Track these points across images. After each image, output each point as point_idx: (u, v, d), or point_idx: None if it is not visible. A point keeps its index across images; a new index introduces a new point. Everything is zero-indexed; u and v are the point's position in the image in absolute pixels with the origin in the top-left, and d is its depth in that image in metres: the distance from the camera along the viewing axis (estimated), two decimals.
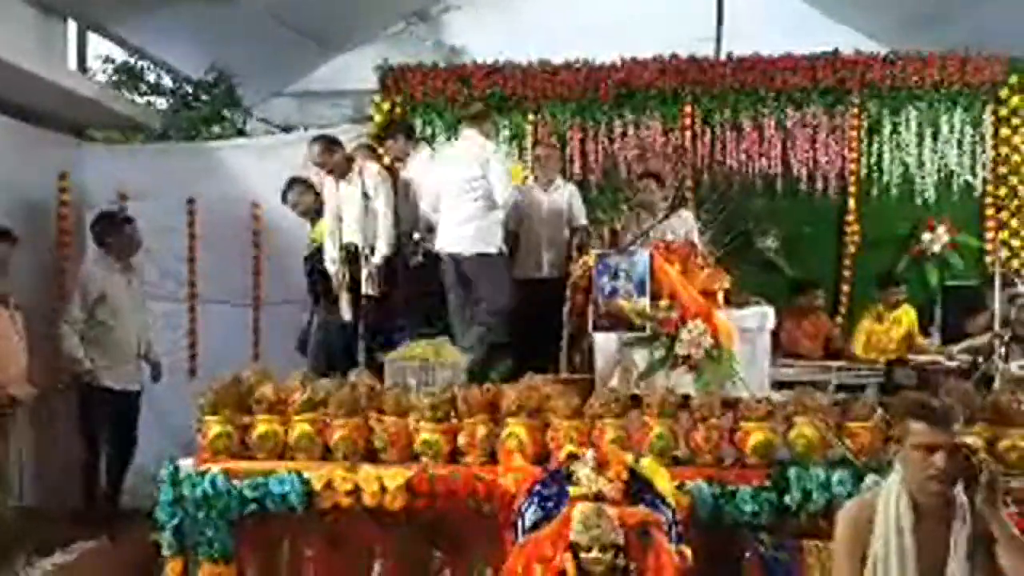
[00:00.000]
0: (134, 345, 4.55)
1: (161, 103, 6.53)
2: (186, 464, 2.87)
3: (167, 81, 6.66)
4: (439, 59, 6.57)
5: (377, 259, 4.37)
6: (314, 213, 4.82)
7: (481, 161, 4.27)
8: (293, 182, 4.89)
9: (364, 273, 4.38)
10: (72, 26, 5.56)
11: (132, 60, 6.41)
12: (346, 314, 4.44)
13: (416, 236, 4.62)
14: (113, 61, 6.29)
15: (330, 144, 4.57)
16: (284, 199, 4.92)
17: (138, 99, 6.33)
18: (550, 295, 4.13)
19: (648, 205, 4.71)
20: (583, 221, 4.94)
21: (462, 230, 4.27)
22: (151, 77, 6.51)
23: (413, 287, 4.62)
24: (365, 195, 4.43)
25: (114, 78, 6.26)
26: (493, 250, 4.29)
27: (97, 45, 6.13)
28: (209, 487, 2.77)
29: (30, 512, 3.77)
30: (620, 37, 6.22)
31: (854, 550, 2.10)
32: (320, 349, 4.58)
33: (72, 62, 5.66)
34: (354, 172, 4.51)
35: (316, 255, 4.68)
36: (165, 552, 2.83)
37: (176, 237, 5.57)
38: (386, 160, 4.95)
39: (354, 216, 4.44)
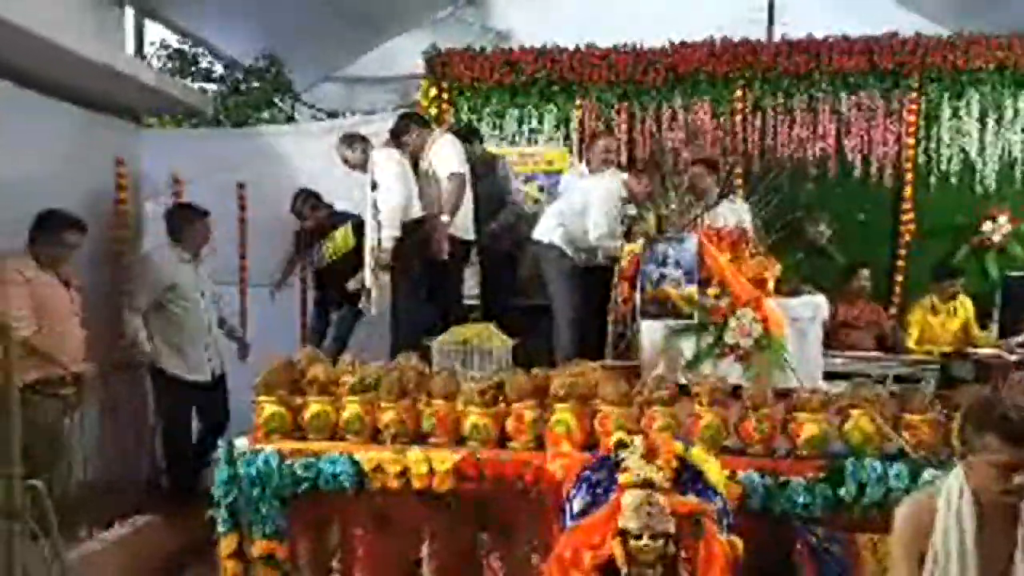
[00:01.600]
0: (204, 335, 4.52)
1: (213, 89, 6.64)
2: (241, 443, 2.93)
3: (219, 67, 6.78)
4: (486, 43, 6.54)
5: (386, 244, 4.33)
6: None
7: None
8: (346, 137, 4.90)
9: (369, 260, 4.46)
10: (129, 12, 5.66)
11: (186, 46, 6.54)
12: (372, 308, 4.50)
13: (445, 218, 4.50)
14: (168, 47, 6.42)
15: (349, 140, 4.66)
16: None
17: (191, 85, 6.45)
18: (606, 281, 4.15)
19: (700, 192, 4.63)
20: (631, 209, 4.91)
21: None
22: (204, 63, 6.62)
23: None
24: (374, 185, 4.46)
25: (168, 64, 6.39)
26: None
27: (152, 31, 6.25)
28: (263, 465, 2.83)
29: (92, 486, 3.90)
30: (669, 20, 6.12)
31: (912, 549, 2.05)
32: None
33: (129, 48, 5.78)
34: (369, 165, 4.55)
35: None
36: (220, 529, 2.89)
37: (226, 221, 5.67)
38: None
39: (368, 209, 4.53)
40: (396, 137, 4.73)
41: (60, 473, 3.41)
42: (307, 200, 5.25)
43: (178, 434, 4.48)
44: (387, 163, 4.50)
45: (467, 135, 5.17)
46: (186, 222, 4.59)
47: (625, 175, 4.95)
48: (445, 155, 4.55)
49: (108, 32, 5.46)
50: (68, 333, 3.70)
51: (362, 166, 4.63)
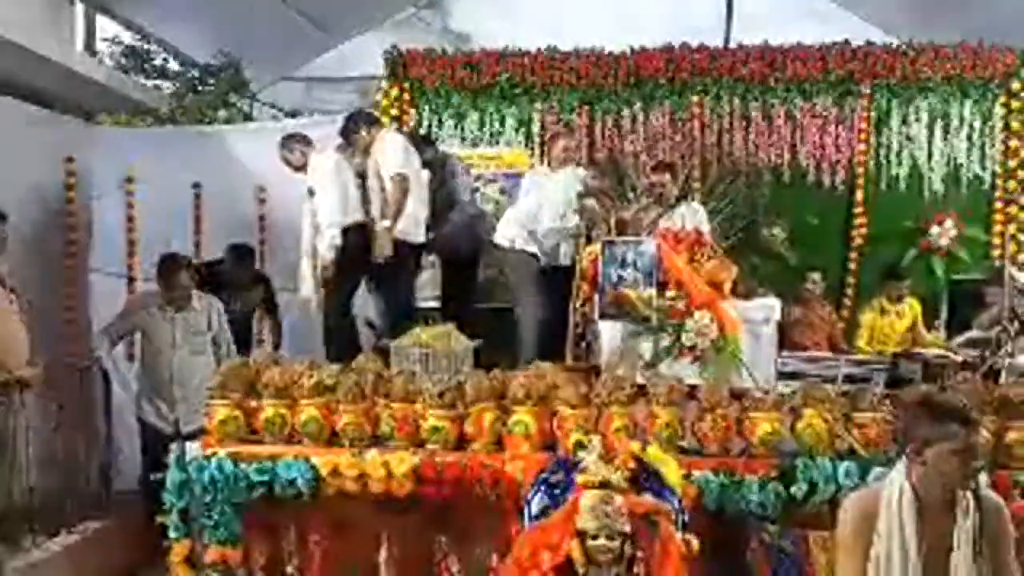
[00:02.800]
0: (167, 387, 4.22)
1: (168, 87, 6.51)
2: (193, 447, 2.87)
3: (174, 65, 6.65)
4: (446, 45, 6.54)
5: (326, 253, 4.35)
6: None
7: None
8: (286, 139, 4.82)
9: (306, 268, 4.52)
10: (79, 7, 5.53)
11: (139, 43, 6.40)
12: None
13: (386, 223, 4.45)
14: (121, 43, 6.28)
15: (289, 142, 4.63)
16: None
17: (145, 82, 6.32)
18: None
19: (660, 196, 4.68)
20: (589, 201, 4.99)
21: None
22: (158, 60, 6.50)
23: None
24: (311, 191, 4.48)
25: (122, 61, 6.25)
26: None
27: (105, 27, 6.11)
28: (216, 471, 2.78)
29: (39, 492, 3.78)
30: (628, 26, 6.22)
31: (857, 543, 2.10)
32: None
33: (80, 44, 5.64)
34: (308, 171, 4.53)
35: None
36: (172, 535, 2.83)
37: (182, 221, 5.56)
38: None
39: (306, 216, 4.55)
40: (345, 137, 4.68)
41: (3, 479, 3.30)
42: (243, 258, 5.10)
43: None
44: (323, 168, 4.46)
45: (422, 138, 5.15)
46: (165, 271, 4.28)
47: (582, 171, 5.00)
48: (389, 155, 4.48)
49: (58, 27, 5.33)
50: (9, 334, 3.58)
51: (303, 168, 4.57)
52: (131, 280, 5.28)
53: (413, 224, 4.57)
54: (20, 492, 3.47)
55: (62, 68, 4.47)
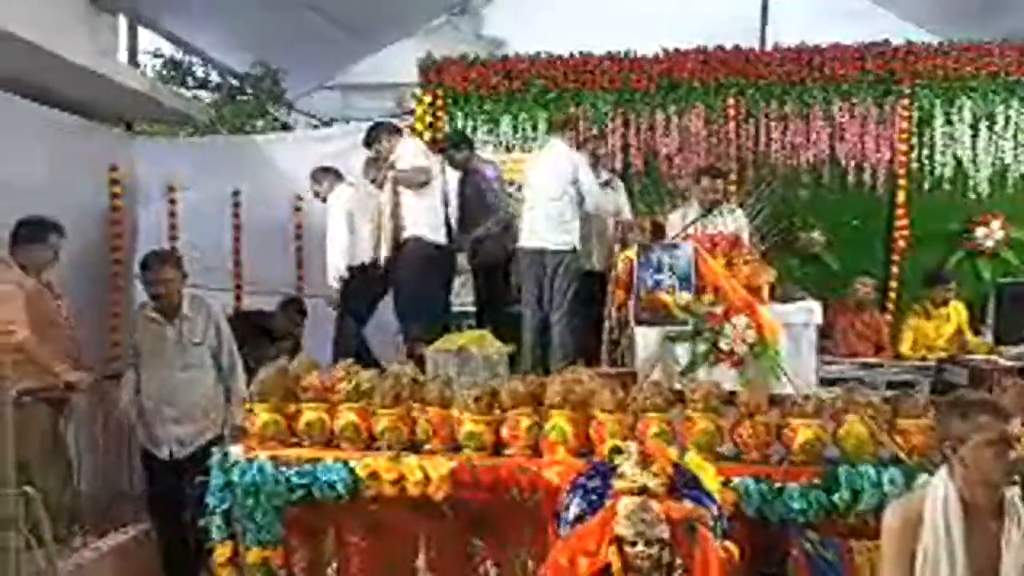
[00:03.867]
0: (160, 408, 3.71)
1: (208, 97, 6.65)
2: (235, 451, 2.92)
3: (214, 75, 6.79)
4: (480, 52, 6.57)
5: (333, 284, 4.79)
6: None
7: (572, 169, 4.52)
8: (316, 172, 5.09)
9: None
10: (122, 20, 5.67)
11: (180, 54, 6.54)
12: None
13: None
14: (162, 55, 6.43)
15: (318, 176, 5.01)
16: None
17: (185, 92, 6.46)
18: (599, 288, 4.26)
19: (711, 202, 4.64)
20: (628, 215, 4.97)
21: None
22: (199, 71, 6.63)
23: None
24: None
25: (163, 72, 6.40)
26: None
27: (146, 39, 6.26)
28: (257, 474, 2.82)
29: (88, 494, 3.88)
30: (662, 28, 6.16)
31: (902, 550, 2.06)
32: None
33: (123, 56, 5.78)
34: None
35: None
36: (215, 537, 2.88)
37: (221, 228, 5.68)
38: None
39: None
40: (368, 146, 4.87)
41: (54, 481, 3.39)
42: (296, 312, 5.31)
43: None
44: (335, 210, 4.77)
45: (457, 142, 5.19)
46: (147, 267, 3.75)
47: (616, 180, 5.04)
48: (403, 153, 4.70)
49: (102, 40, 5.46)
50: (58, 340, 3.68)
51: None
52: None
53: (428, 228, 4.66)
54: (70, 494, 3.56)
55: (105, 80, 4.57)
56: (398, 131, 4.94)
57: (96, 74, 4.49)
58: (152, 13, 5.90)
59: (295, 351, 4.96)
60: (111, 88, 4.73)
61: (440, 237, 4.75)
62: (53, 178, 4.45)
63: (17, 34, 3.76)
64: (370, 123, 5.11)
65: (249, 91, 6.80)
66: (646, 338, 3.50)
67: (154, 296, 3.71)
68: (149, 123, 6.13)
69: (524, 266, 4.60)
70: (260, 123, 6.75)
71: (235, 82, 6.77)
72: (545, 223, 4.50)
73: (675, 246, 3.66)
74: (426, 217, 4.67)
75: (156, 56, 6.56)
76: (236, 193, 5.73)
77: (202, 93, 6.82)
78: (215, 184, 5.63)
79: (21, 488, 2.31)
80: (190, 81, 6.76)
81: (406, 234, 4.68)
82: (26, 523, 2.32)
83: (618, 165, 5.95)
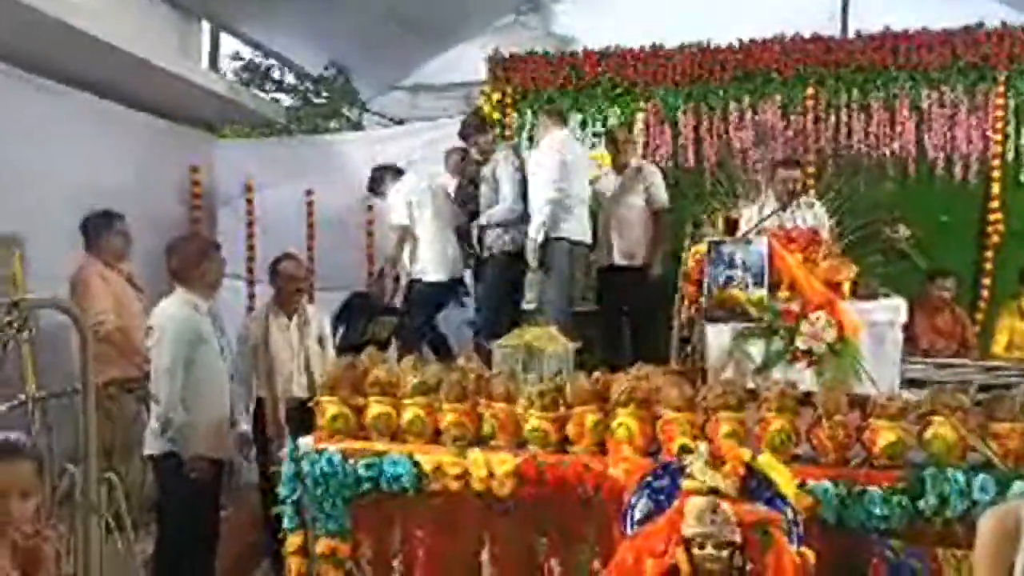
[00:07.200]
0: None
1: (285, 99, 6.84)
2: (306, 442, 2.97)
3: (290, 78, 6.98)
4: (549, 48, 6.54)
5: None
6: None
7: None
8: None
9: None
10: (205, 26, 5.89)
11: (258, 58, 6.76)
12: None
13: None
14: (241, 59, 6.65)
15: (378, 172, 5.22)
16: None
17: (264, 95, 6.67)
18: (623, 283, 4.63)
19: (792, 193, 4.51)
20: (664, 201, 5.00)
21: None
22: (276, 74, 6.84)
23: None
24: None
25: (242, 75, 6.62)
26: None
27: (227, 44, 6.49)
28: (326, 465, 2.86)
29: None
30: (737, 18, 5.98)
31: (997, 563, 1.91)
32: None
33: (204, 60, 6.01)
34: None
35: None
36: (286, 525, 2.94)
37: (296, 226, 5.83)
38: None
39: None
40: (464, 139, 5.08)
41: (136, 468, 3.53)
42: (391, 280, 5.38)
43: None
44: (395, 200, 5.00)
45: (481, 126, 5.11)
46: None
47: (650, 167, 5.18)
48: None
49: (186, 46, 5.70)
50: (139, 331, 3.83)
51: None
52: (251, 283, 5.57)
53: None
54: (149, 482, 3.70)
55: (189, 83, 4.75)
56: (484, 129, 5.07)
57: (180, 78, 4.68)
58: (232, 18, 6.12)
59: (399, 329, 5.10)
60: (194, 92, 4.92)
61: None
62: (139, 179, 4.66)
63: (107, 41, 3.95)
64: (440, 121, 5.19)
65: (324, 93, 6.97)
66: (718, 336, 3.39)
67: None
68: (229, 125, 6.35)
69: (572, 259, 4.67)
70: (333, 123, 6.90)
71: (310, 85, 6.95)
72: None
73: (748, 241, 3.55)
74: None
75: (236, 60, 6.79)
76: (309, 192, 5.87)
77: (279, 95, 7.03)
78: (290, 184, 5.78)
79: (104, 475, 2.40)
80: (267, 84, 6.96)
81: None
82: (109, 509, 2.41)
83: (691, 160, 5.81)
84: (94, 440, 2.33)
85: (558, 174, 4.58)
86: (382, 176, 5.09)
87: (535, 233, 4.56)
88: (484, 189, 4.89)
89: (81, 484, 2.33)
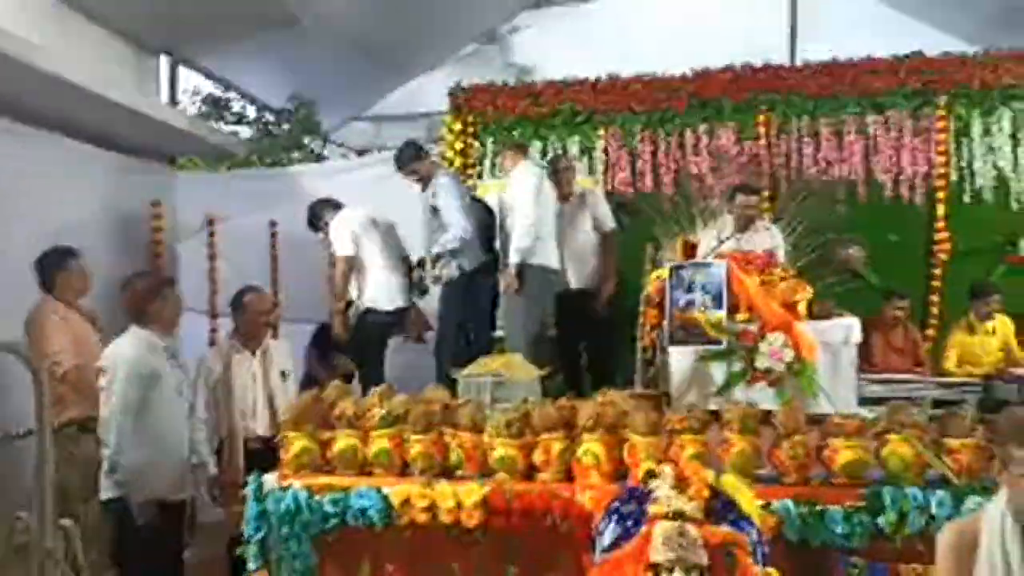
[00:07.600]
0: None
1: (245, 131, 6.82)
2: (270, 479, 2.94)
3: (251, 110, 6.97)
4: (509, 78, 6.65)
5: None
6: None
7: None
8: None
9: None
10: (164, 60, 5.87)
11: (218, 92, 6.74)
12: None
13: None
14: (200, 93, 6.63)
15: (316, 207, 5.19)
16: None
17: (223, 128, 6.65)
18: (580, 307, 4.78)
19: (748, 220, 4.63)
20: (611, 225, 5.11)
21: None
22: (236, 107, 6.82)
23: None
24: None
25: (202, 108, 6.59)
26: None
27: (186, 78, 6.47)
28: (291, 502, 2.83)
29: None
30: (690, 50, 6.16)
31: (958, 573, 1.98)
32: None
33: (164, 95, 5.98)
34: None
35: None
36: (250, 566, 2.89)
37: (260, 258, 5.78)
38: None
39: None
40: (400, 170, 5.11)
41: (94, 511, 3.45)
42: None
43: None
44: (338, 230, 5.01)
45: (419, 153, 5.10)
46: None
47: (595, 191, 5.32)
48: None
49: (144, 81, 5.66)
50: (95, 362, 3.76)
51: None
52: (214, 316, 5.50)
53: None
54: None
55: (147, 119, 4.72)
56: (420, 156, 5.07)
57: (139, 114, 4.65)
58: (191, 53, 6.11)
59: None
60: (153, 126, 4.89)
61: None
62: (99, 214, 4.60)
63: (66, 78, 3.92)
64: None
65: (285, 125, 6.97)
66: (680, 358, 3.45)
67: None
68: (189, 158, 6.31)
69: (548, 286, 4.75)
70: (296, 155, 6.89)
71: (271, 117, 6.95)
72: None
73: (707, 265, 3.61)
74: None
75: (195, 94, 6.77)
76: (273, 223, 5.84)
77: (240, 128, 7.01)
78: (252, 215, 5.75)
79: (60, 520, 2.34)
80: (228, 116, 6.95)
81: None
82: (65, 556, 2.35)
83: (648, 184, 5.94)
84: (49, 485, 2.28)
85: (534, 202, 4.67)
86: (320, 211, 5.08)
87: (515, 259, 4.61)
88: (426, 217, 4.91)
89: (36, 531, 2.28)
